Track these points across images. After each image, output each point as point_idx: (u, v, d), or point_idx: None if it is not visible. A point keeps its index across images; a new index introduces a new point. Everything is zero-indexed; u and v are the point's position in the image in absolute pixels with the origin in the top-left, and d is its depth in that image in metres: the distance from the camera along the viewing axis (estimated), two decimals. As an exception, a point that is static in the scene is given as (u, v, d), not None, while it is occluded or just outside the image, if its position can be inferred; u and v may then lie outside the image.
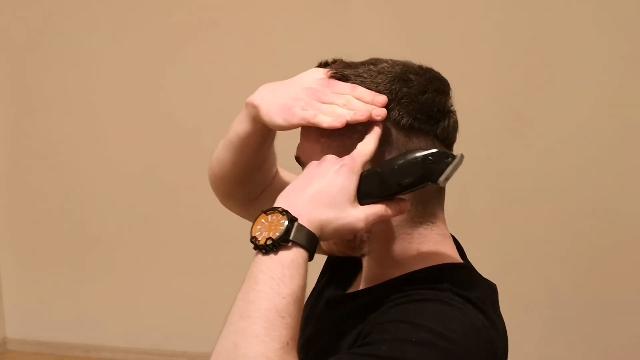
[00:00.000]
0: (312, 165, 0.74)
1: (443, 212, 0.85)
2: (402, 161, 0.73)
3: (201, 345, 2.73)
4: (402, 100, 0.76)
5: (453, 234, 0.89)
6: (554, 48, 2.33)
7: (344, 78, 0.78)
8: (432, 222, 0.82)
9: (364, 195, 0.73)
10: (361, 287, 0.86)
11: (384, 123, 0.75)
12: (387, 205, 0.73)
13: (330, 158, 0.73)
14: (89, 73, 2.70)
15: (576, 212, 2.39)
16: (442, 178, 0.72)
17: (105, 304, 2.83)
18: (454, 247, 0.86)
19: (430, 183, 0.73)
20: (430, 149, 0.73)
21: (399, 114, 0.76)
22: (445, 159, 0.72)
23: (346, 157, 0.73)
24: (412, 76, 0.77)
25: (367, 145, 0.74)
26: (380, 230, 0.80)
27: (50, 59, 2.71)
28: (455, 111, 0.81)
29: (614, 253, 2.40)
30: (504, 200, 2.44)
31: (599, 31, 2.30)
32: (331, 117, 0.74)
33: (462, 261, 0.84)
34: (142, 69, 2.65)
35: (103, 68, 2.68)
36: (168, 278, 2.75)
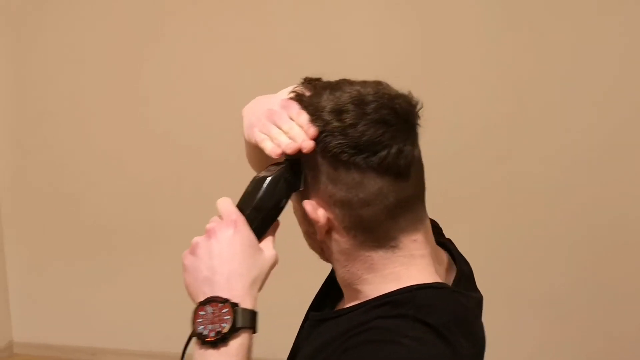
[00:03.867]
0: (202, 245, 0.78)
1: (413, 234, 0.80)
2: (268, 191, 0.78)
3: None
4: (334, 133, 0.75)
5: (449, 243, 0.90)
6: (562, 48, 2.32)
7: (299, 102, 0.79)
8: (394, 246, 0.79)
9: (258, 234, 0.79)
10: (338, 306, 0.88)
11: (315, 154, 0.76)
12: (272, 230, 0.81)
13: (214, 228, 0.78)
14: (90, 71, 2.72)
15: (579, 212, 2.39)
16: (302, 185, 0.80)
17: (111, 307, 2.84)
18: (427, 266, 0.81)
19: (295, 192, 0.80)
20: (277, 167, 0.79)
21: (328, 144, 0.75)
22: (300, 167, 0.79)
23: (224, 220, 0.78)
24: (350, 106, 0.76)
25: (225, 199, 0.79)
26: (335, 251, 0.81)
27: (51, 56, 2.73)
28: (410, 138, 0.78)
29: (616, 253, 2.40)
30: (507, 201, 2.45)
31: (606, 28, 2.30)
32: (273, 144, 0.78)
33: (430, 281, 0.79)
34: (140, 69, 2.67)
35: (100, 66, 2.70)
36: (173, 282, 2.75)
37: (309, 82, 0.82)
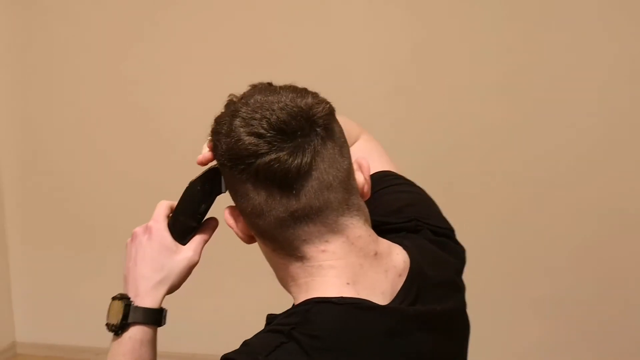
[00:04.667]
0: (128, 245, 0.93)
1: (321, 245, 0.76)
2: (189, 196, 0.88)
3: (209, 347, 2.74)
4: (220, 144, 0.78)
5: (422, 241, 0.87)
6: (563, 42, 2.32)
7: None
8: (301, 257, 0.77)
9: (180, 236, 0.88)
10: None
11: (221, 168, 0.81)
12: (204, 231, 0.91)
13: (137, 232, 0.91)
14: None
15: (583, 210, 2.39)
16: (224, 188, 0.83)
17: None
18: (335, 277, 0.76)
19: (219, 195, 0.86)
20: (201, 173, 0.86)
21: (221, 156, 0.78)
22: (215, 173, 0.84)
23: (145, 225, 0.91)
24: (226, 118, 0.77)
25: (161, 203, 0.92)
26: (264, 256, 0.83)
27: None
28: (290, 149, 0.73)
29: (621, 252, 2.39)
30: (510, 199, 2.44)
31: (604, 26, 2.30)
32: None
33: (332, 295, 0.74)
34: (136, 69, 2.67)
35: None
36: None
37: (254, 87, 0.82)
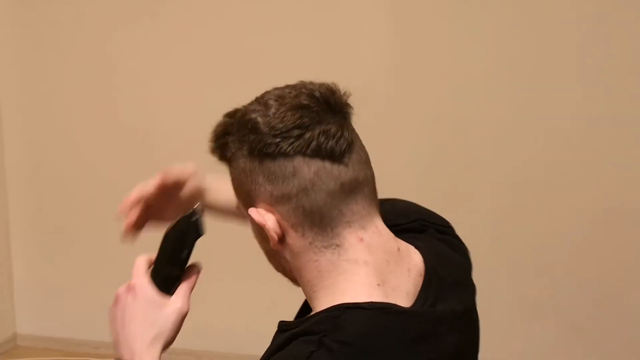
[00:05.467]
0: (111, 310, 0.88)
1: (360, 231, 0.76)
2: (168, 245, 0.86)
3: (207, 344, 2.76)
4: (256, 129, 0.75)
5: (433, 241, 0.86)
6: (564, 43, 2.33)
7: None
8: (338, 246, 0.76)
9: (166, 288, 0.85)
10: None
11: (245, 160, 0.77)
12: (188, 278, 0.87)
13: (119, 294, 0.88)
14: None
15: (585, 211, 2.39)
16: (203, 230, 0.84)
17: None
18: (368, 277, 0.76)
19: (199, 238, 0.84)
20: (177, 219, 0.84)
21: (255, 143, 0.75)
22: (194, 215, 0.83)
23: (127, 285, 0.88)
24: (270, 101, 0.77)
25: (140, 258, 0.91)
26: (291, 261, 0.79)
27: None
28: (336, 121, 0.75)
29: (623, 254, 2.40)
30: (512, 200, 2.45)
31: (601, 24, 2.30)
32: None
33: (363, 300, 0.73)
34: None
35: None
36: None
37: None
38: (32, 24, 2.77)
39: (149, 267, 0.88)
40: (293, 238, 0.76)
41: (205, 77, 2.63)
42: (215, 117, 0.81)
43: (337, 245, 0.76)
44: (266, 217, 0.76)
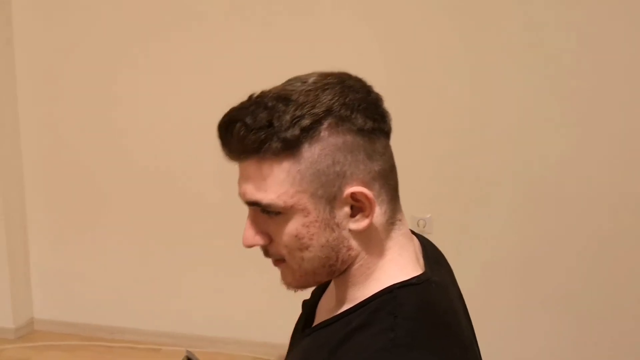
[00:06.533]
0: None
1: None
2: None
3: (220, 330, 2.80)
4: (360, 107, 0.75)
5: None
6: (582, 51, 2.33)
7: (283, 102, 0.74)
8: (400, 220, 0.81)
9: None
10: (333, 312, 0.85)
11: (347, 136, 0.75)
12: None
13: None
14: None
15: (592, 208, 2.39)
16: None
17: (131, 289, 2.90)
18: (414, 249, 0.83)
19: None
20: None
21: (361, 120, 0.75)
22: (189, 356, 0.87)
23: None
24: (349, 82, 0.77)
25: None
26: (359, 242, 0.79)
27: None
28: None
29: (630, 250, 2.40)
30: (521, 198, 2.45)
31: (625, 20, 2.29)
32: None
33: (415, 274, 0.79)
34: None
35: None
36: (192, 267, 2.81)
37: (250, 100, 0.77)
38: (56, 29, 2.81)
39: None
40: (377, 216, 0.78)
41: (209, 76, 2.65)
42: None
43: (399, 220, 0.81)
44: (368, 194, 0.76)
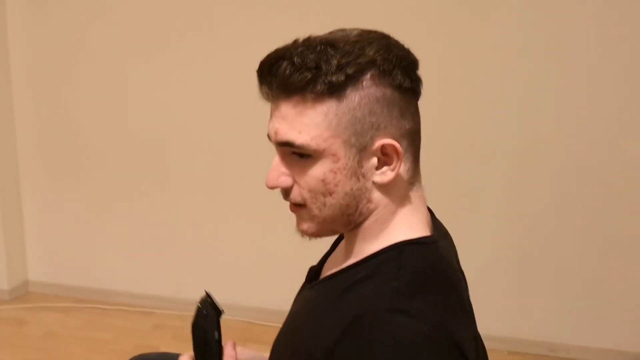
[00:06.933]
0: None
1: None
2: (201, 335, 0.89)
3: (214, 295, 2.82)
4: (402, 64, 0.77)
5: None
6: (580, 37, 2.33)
7: (328, 48, 0.75)
8: (418, 183, 0.85)
9: None
10: (340, 266, 0.87)
11: (386, 90, 0.77)
12: (228, 353, 0.89)
13: None
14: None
15: (587, 183, 2.41)
16: (221, 308, 0.89)
17: (124, 253, 2.92)
18: (427, 214, 0.87)
19: (221, 316, 0.89)
20: (196, 310, 0.89)
21: (401, 77, 0.77)
22: (208, 299, 0.90)
23: None
24: (392, 40, 0.80)
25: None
26: (380, 196, 0.81)
27: None
28: None
29: (625, 226, 2.42)
30: (515, 171, 2.47)
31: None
32: None
33: (424, 235, 0.83)
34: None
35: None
36: (187, 229, 2.83)
37: (295, 44, 0.78)
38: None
39: None
40: (401, 172, 0.81)
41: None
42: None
43: (418, 182, 0.85)
44: (398, 147, 0.78)
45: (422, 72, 0.81)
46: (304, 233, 0.85)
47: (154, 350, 2.39)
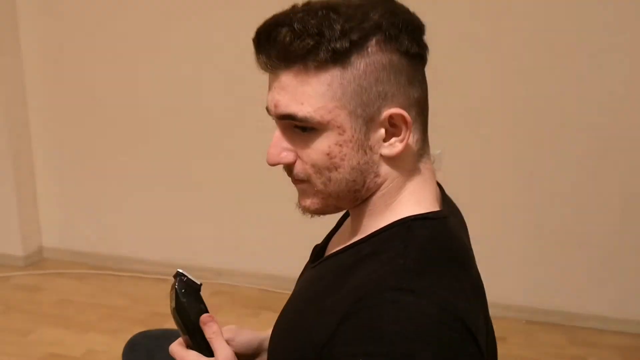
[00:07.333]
0: None
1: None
2: (184, 316, 0.83)
3: (227, 262, 2.82)
4: (408, 29, 0.72)
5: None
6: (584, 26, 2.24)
7: (328, 14, 0.70)
8: (428, 154, 0.80)
9: (208, 350, 0.82)
10: (345, 243, 0.82)
11: (393, 56, 0.71)
12: (212, 329, 0.82)
13: None
14: None
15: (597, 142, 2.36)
16: (197, 282, 0.85)
17: (138, 219, 2.91)
18: (435, 188, 0.82)
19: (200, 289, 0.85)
20: (174, 285, 0.84)
21: (408, 42, 0.72)
22: (181, 276, 0.84)
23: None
24: (396, 3, 0.75)
25: (173, 348, 0.84)
26: (387, 170, 0.76)
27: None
28: None
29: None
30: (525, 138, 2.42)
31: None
32: None
33: (432, 210, 0.78)
34: None
35: None
36: (199, 196, 2.81)
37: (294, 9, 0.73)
38: None
39: (187, 345, 0.85)
40: (410, 144, 0.76)
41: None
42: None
43: (427, 154, 0.80)
44: (407, 117, 0.73)
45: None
46: (305, 210, 0.80)
47: (166, 318, 2.39)
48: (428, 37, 0.76)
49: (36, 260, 3.03)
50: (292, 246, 2.38)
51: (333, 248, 0.87)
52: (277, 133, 0.76)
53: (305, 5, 0.72)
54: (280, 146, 0.76)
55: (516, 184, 2.47)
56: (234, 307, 2.60)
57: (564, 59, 2.33)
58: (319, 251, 0.92)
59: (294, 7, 0.72)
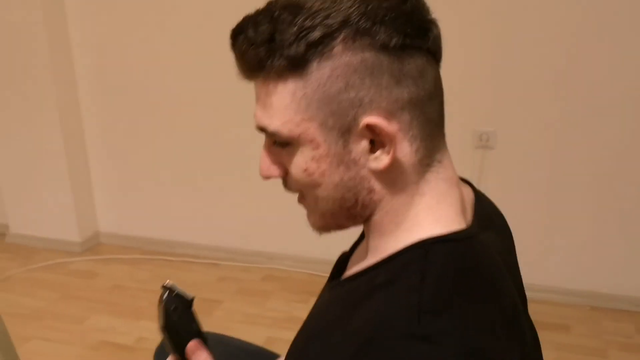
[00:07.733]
0: None
1: (444, 140, 0.69)
2: (174, 332, 0.79)
3: (277, 247, 2.79)
4: (386, 18, 0.61)
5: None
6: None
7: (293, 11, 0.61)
8: (439, 162, 0.68)
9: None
10: (360, 264, 0.73)
11: (366, 54, 0.61)
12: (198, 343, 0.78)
13: None
14: None
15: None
16: (189, 295, 0.79)
17: (191, 205, 2.91)
18: (460, 199, 0.70)
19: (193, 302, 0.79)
20: (163, 301, 0.77)
21: (386, 35, 0.61)
22: (171, 291, 0.78)
23: None
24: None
25: None
26: (383, 185, 0.67)
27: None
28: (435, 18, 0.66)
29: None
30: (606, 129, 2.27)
31: None
32: None
33: (456, 228, 0.66)
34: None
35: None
36: (251, 182, 2.78)
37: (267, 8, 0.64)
38: None
39: None
40: (405, 154, 0.65)
41: None
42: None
43: (439, 162, 0.68)
44: (391, 127, 0.63)
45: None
46: (312, 227, 0.74)
47: (215, 305, 2.39)
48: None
49: (93, 244, 3.08)
50: (342, 231, 2.32)
51: (354, 264, 0.78)
52: (264, 146, 0.71)
53: (269, 3, 0.64)
54: (269, 159, 0.71)
55: (582, 166, 2.32)
56: (283, 292, 2.57)
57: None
58: (341, 263, 0.84)
59: (267, 5, 0.64)
